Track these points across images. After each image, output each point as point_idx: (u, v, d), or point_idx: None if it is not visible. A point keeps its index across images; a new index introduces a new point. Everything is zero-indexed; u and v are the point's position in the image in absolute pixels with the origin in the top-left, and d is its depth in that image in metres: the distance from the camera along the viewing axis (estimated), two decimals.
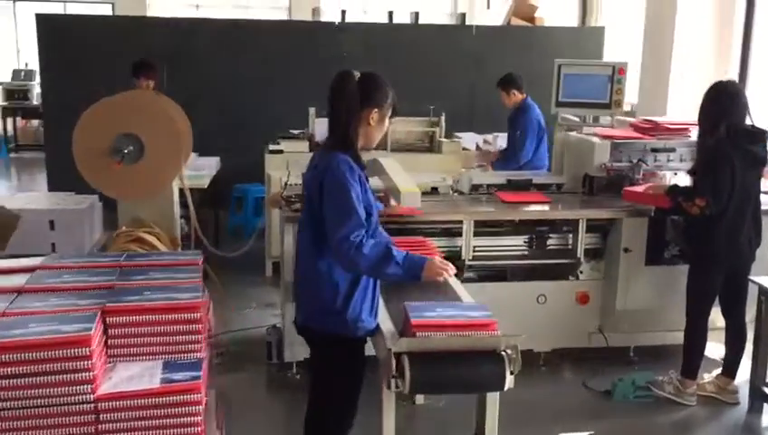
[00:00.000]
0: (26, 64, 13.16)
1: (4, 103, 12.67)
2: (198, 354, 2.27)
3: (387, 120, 2.75)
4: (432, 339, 2.38)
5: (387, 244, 2.62)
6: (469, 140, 7.66)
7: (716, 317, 4.19)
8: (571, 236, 4.43)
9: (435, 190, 4.59)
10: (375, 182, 3.95)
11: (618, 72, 4.41)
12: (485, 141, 7.60)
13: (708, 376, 4.24)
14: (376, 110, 2.69)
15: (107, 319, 2.20)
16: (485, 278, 4.46)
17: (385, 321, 2.73)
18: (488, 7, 14.47)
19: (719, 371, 4.21)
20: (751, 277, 3.97)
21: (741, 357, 4.14)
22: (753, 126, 3.89)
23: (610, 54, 9.26)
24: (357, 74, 2.71)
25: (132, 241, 3.95)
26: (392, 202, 3.55)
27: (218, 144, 7.53)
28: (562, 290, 4.50)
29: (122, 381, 2.12)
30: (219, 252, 5.44)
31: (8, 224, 4.63)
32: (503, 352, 2.43)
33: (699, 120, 3.93)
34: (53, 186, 7.86)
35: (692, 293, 4.04)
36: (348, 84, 2.68)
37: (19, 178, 11.28)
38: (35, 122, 12.54)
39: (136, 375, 2.15)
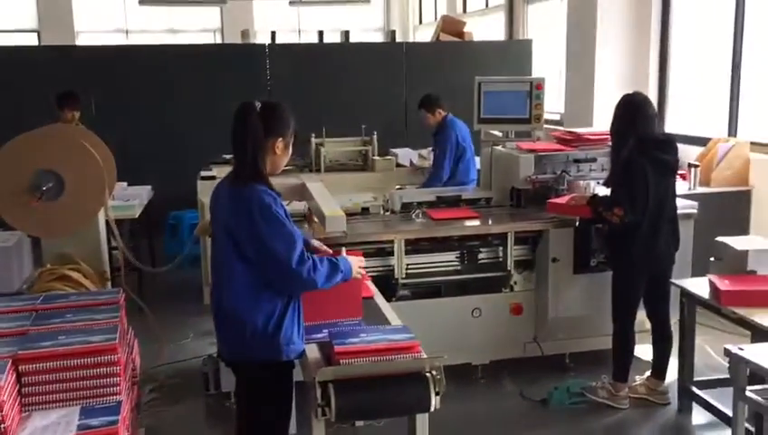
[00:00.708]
0: None
1: None
2: (117, 397, 2.23)
3: (289, 149, 2.80)
4: (355, 366, 2.39)
5: (325, 257, 2.76)
6: (405, 155, 7.72)
7: (645, 319, 4.33)
8: (501, 249, 4.51)
9: (366, 211, 4.61)
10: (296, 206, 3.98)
11: (536, 87, 4.52)
12: (420, 156, 7.68)
13: (640, 378, 4.36)
14: (280, 139, 2.73)
15: (20, 367, 2.15)
16: (420, 295, 4.50)
17: (311, 348, 2.72)
18: (420, 22, 14.69)
19: (649, 372, 4.33)
20: (673, 280, 4.11)
21: (668, 358, 4.27)
22: (663, 134, 4.04)
23: (540, 66, 9.48)
24: (258, 105, 2.72)
25: (56, 279, 3.83)
26: (313, 241, 3.51)
27: (153, 171, 7.44)
28: (496, 302, 4.56)
29: (37, 430, 2.07)
30: (151, 269, 5.36)
31: None
32: (427, 374, 2.45)
33: (611, 133, 4.07)
34: None
35: (616, 298, 4.16)
36: (249, 116, 2.69)
37: None
38: None
39: (52, 424, 2.10)
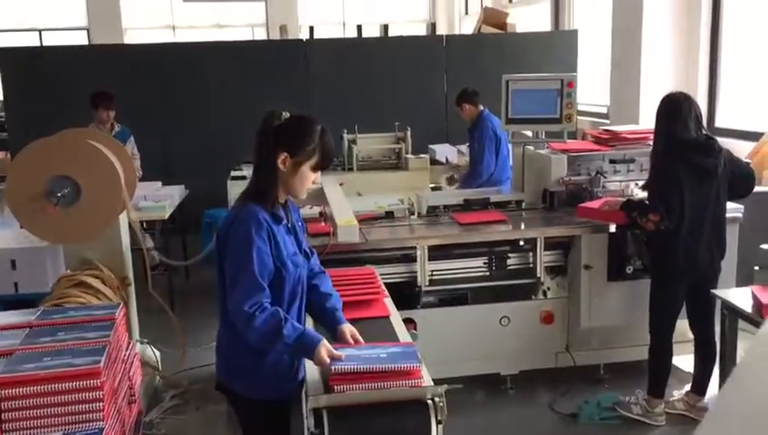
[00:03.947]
0: None
1: None
2: (99, 424, 2.15)
3: (308, 171, 2.49)
4: (349, 394, 2.25)
5: (281, 320, 2.35)
6: (443, 152, 7.57)
7: (687, 329, 4.07)
8: (531, 254, 4.31)
9: (390, 214, 4.46)
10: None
11: (567, 85, 4.28)
12: (460, 152, 7.50)
13: (678, 393, 4.12)
14: (286, 154, 2.45)
15: (0, 392, 2.08)
16: (447, 302, 4.34)
17: (312, 368, 2.59)
18: (466, 13, 14.40)
19: (689, 387, 4.08)
20: (713, 290, 3.84)
21: (710, 373, 4.00)
22: (705, 136, 3.77)
23: (587, 57, 9.16)
24: (286, 115, 2.50)
25: (74, 286, 3.82)
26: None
27: (190, 169, 7.46)
28: (526, 310, 4.37)
29: None
30: (170, 262, 5.33)
31: None
32: (428, 401, 2.30)
33: (653, 133, 3.83)
34: None
35: (654, 308, 3.92)
36: (266, 124, 2.48)
37: None
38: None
39: None
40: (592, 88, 9.07)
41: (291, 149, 2.46)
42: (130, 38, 13.96)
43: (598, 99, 9.03)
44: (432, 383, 2.39)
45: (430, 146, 7.88)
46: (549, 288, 4.46)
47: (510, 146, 5.07)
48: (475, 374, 4.35)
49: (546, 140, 4.56)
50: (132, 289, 4.51)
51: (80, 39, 13.95)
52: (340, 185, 4.45)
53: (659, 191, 3.69)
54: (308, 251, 2.76)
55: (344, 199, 3.68)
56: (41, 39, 14.01)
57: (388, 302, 3.25)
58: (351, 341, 2.53)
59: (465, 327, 4.28)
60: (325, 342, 2.38)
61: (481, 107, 5.89)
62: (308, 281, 2.70)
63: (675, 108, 3.74)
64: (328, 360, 2.33)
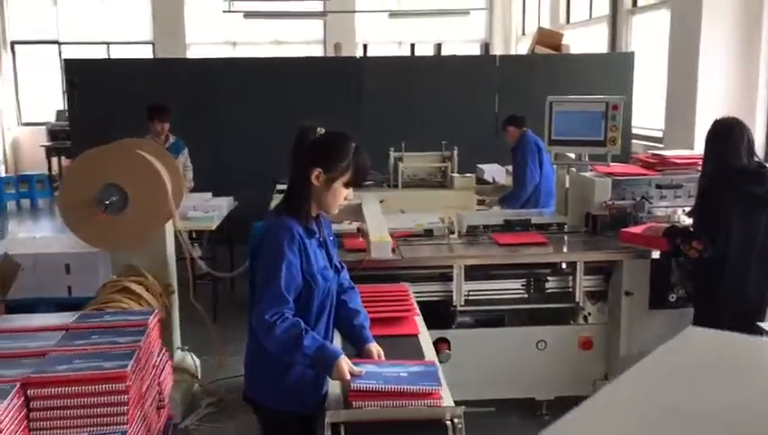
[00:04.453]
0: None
1: (49, 143, 13.09)
2: (124, 427, 2.20)
3: (340, 187, 2.53)
4: (368, 411, 2.25)
5: (301, 331, 2.37)
6: (491, 172, 7.53)
7: None
8: (570, 278, 4.24)
9: (429, 232, 4.46)
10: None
11: (612, 108, 4.21)
12: (508, 172, 7.46)
13: None
14: (320, 170, 2.48)
15: (28, 391, 2.16)
16: (482, 323, 4.31)
17: (333, 383, 2.61)
18: (523, 33, 14.33)
19: None
20: (759, 323, 3.71)
21: None
22: (757, 164, 3.66)
23: (644, 80, 9.01)
24: (321, 131, 2.55)
25: (118, 291, 3.94)
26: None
27: (241, 181, 7.60)
28: (564, 335, 4.30)
29: None
30: (218, 273, 5.41)
31: (10, 272, 4.71)
32: (447, 422, 2.29)
33: (702, 158, 3.74)
34: None
35: None
36: (301, 140, 2.53)
37: None
38: None
39: None
40: (648, 111, 8.91)
41: (325, 165, 2.49)
42: (193, 53, 14.37)
43: (653, 122, 8.86)
44: (453, 404, 2.38)
45: (479, 165, 7.85)
46: (590, 313, 4.38)
47: (555, 168, 5.02)
48: (510, 398, 4.29)
49: (589, 163, 4.50)
50: (176, 297, 4.62)
51: (145, 52, 14.42)
52: (381, 202, 4.48)
53: (705, 218, 3.60)
54: (338, 266, 2.78)
55: (380, 216, 3.70)
56: (108, 52, 14.54)
57: (419, 320, 3.24)
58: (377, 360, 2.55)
59: (501, 349, 4.24)
60: (345, 357, 2.39)
61: (525, 129, 5.99)
62: (337, 296, 2.73)
63: (725, 132, 3.64)
64: (348, 375, 2.34)
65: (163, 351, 2.89)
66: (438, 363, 2.65)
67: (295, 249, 2.46)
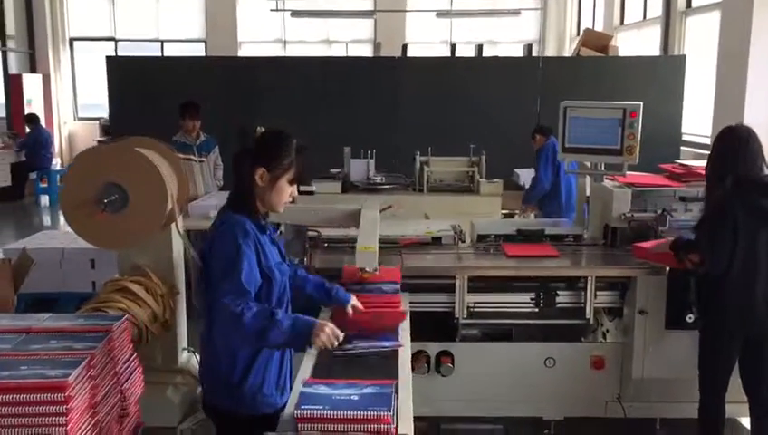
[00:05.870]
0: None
1: (102, 138, 13.42)
2: None
3: (285, 185, 2.54)
4: None
5: (271, 312, 2.37)
6: (526, 176, 7.33)
7: None
8: (583, 293, 4.02)
9: (437, 240, 4.31)
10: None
11: (629, 115, 3.96)
12: None
13: None
14: (263, 169, 2.50)
15: None
16: (488, 337, 4.13)
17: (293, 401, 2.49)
18: (578, 33, 13.93)
19: None
20: None
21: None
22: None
23: (695, 84, 8.63)
24: (260, 130, 2.70)
25: (116, 291, 3.92)
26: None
27: None
28: (574, 353, 4.08)
29: None
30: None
31: (23, 267, 4.76)
32: None
33: (705, 169, 3.49)
34: None
35: (703, 363, 3.56)
36: (243, 140, 2.61)
37: None
38: None
39: None
40: (700, 117, 8.52)
41: (267, 164, 2.50)
42: (244, 51, 14.51)
43: (702, 130, 8.47)
44: (412, 422, 2.25)
45: (516, 170, 7.65)
46: (607, 331, 4.16)
47: (575, 178, 4.81)
48: (516, 416, 4.11)
49: (605, 172, 4.26)
50: (182, 298, 4.59)
51: (198, 50, 14.64)
52: (389, 207, 4.34)
53: (708, 230, 3.35)
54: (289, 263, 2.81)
55: (375, 224, 3.56)
56: (162, 49, 14.81)
57: (404, 331, 3.09)
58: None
59: (507, 365, 4.05)
60: (323, 321, 2.40)
61: (551, 136, 6.17)
62: (292, 282, 2.76)
63: (742, 142, 3.40)
64: (332, 339, 2.35)
65: (133, 357, 2.81)
66: (406, 381, 2.50)
67: (251, 244, 2.45)
